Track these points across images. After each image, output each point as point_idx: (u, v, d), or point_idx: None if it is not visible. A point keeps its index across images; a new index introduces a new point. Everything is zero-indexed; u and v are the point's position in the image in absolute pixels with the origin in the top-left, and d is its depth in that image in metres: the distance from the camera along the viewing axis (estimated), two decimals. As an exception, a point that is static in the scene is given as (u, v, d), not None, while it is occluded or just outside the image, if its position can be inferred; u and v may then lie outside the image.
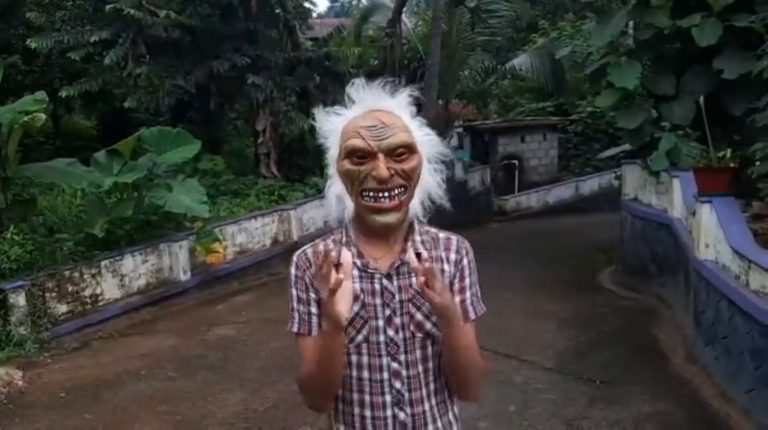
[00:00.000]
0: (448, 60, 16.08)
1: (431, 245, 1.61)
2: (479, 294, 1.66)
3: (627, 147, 10.72)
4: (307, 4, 15.67)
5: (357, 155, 1.49)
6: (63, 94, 11.36)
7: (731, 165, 5.98)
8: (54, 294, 7.23)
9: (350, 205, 1.55)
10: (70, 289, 7.41)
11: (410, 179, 1.51)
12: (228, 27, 11.97)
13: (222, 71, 11.51)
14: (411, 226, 1.60)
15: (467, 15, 17.24)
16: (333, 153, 1.59)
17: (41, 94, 6.89)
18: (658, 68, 8.58)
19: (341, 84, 13.96)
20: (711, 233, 5.85)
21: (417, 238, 1.60)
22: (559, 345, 6.53)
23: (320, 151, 1.70)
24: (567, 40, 18.00)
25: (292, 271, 1.60)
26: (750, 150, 5.81)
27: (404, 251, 1.55)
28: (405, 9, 16.87)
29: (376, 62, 16.36)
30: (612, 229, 11.87)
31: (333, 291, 1.37)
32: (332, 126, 1.59)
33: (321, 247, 1.59)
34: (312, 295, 1.57)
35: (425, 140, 1.59)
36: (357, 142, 1.48)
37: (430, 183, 1.59)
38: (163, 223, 8.88)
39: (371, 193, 1.49)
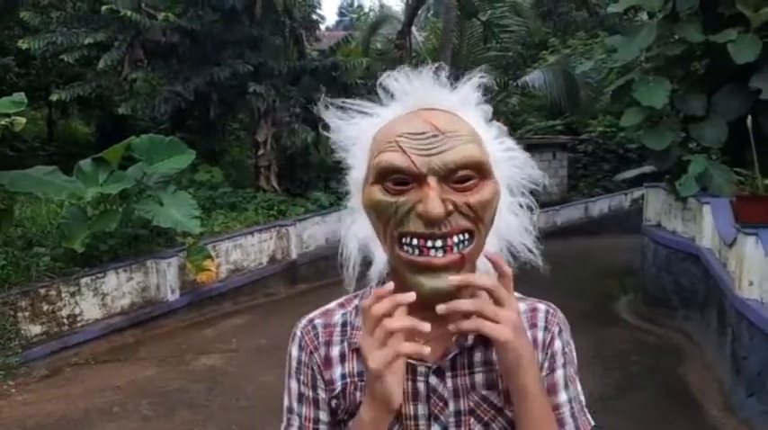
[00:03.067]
0: (457, 75, 15.57)
1: None
2: (582, 398, 1.09)
3: (648, 168, 10.16)
4: (315, 16, 15.19)
5: (394, 178, 0.93)
6: (54, 97, 10.82)
7: (780, 193, 5.38)
8: (27, 314, 6.61)
9: (380, 258, 1.02)
10: (45, 308, 6.80)
11: (480, 220, 0.94)
12: (231, 33, 11.44)
13: (223, 78, 10.96)
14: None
15: (478, 29, 16.81)
16: (356, 175, 1.02)
17: (20, 96, 6.32)
18: (687, 87, 8.01)
19: (347, 95, 13.47)
20: (757, 269, 5.24)
21: None
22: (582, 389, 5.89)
23: (325, 164, 1.06)
24: (580, 58, 17.53)
25: (294, 352, 1.07)
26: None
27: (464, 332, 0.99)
28: (415, 21, 16.43)
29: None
30: (626, 254, 11.27)
31: (389, 362, 0.89)
32: (355, 132, 1.02)
33: (338, 318, 1.08)
34: (321, 393, 1.04)
35: (506, 158, 1.02)
36: (394, 157, 0.92)
37: (512, 226, 1.03)
38: (152, 238, 8.29)
39: (416, 241, 0.93)
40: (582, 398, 1.10)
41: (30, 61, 13.00)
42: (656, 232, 8.83)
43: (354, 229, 1.03)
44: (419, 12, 17.58)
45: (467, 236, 0.94)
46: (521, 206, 1.03)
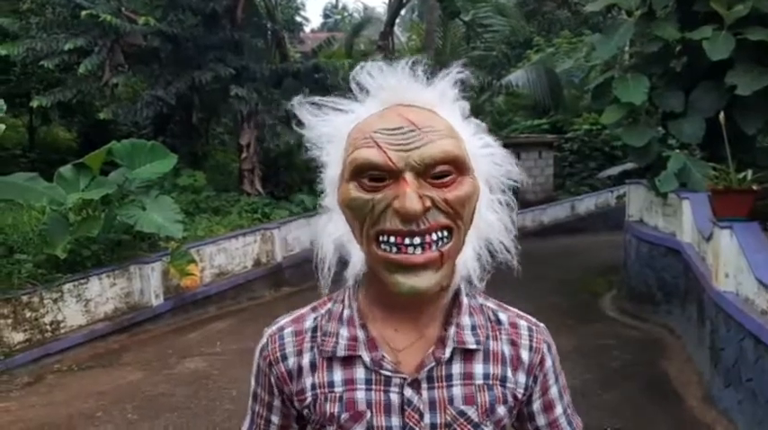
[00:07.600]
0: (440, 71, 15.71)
1: (486, 333, 1.01)
2: (570, 399, 1.12)
3: (630, 165, 10.25)
4: (298, 19, 15.22)
5: (370, 175, 0.90)
6: (35, 104, 10.75)
7: (753, 187, 5.44)
8: (9, 321, 6.57)
9: (357, 257, 0.96)
10: (28, 315, 6.76)
11: (458, 216, 0.92)
12: (212, 36, 11.43)
13: (205, 82, 10.95)
14: (457, 297, 1.01)
15: (461, 29, 16.89)
16: (332, 173, 0.98)
17: (-1, 103, 6.32)
18: (666, 84, 8.10)
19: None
20: (732, 262, 5.30)
21: (465, 321, 1.00)
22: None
23: (309, 166, 1.05)
24: (563, 57, 17.64)
25: (256, 355, 1.05)
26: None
27: (442, 342, 0.98)
28: (397, 22, 16.49)
29: (367, 76, 15.92)
30: (611, 251, 11.35)
31: None
32: (330, 129, 0.98)
33: (309, 323, 1.03)
34: (276, 402, 1.04)
35: (484, 154, 0.99)
36: (370, 153, 0.90)
37: (492, 224, 0.98)
38: (135, 243, 8.27)
39: (393, 239, 0.90)
40: (570, 399, 1.12)
41: (9, 67, 12.89)
42: (639, 228, 8.91)
43: (330, 229, 0.99)
44: (403, 13, 17.65)
45: (446, 233, 0.91)
46: (500, 203, 1.00)
